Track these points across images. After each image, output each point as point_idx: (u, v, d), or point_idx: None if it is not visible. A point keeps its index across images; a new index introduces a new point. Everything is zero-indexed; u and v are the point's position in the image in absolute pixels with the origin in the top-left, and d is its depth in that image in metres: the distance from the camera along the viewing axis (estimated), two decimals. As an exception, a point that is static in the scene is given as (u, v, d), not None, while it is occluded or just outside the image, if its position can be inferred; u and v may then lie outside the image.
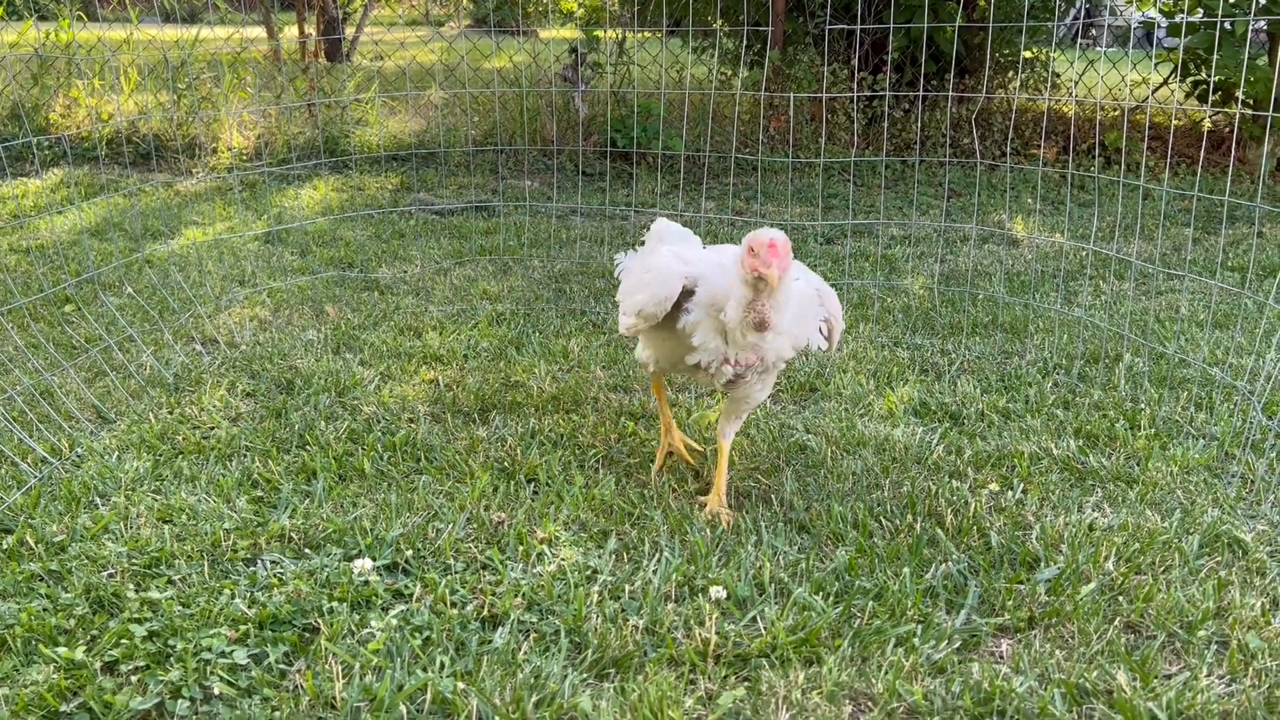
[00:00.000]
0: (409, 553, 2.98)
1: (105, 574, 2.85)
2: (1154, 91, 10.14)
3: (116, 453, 3.60)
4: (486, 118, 9.45)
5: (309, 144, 9.01)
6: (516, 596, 2.77)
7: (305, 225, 6.80)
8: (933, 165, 9.23)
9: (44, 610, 2.67)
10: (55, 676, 2.41)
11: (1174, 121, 6.73)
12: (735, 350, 3.02)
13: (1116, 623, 2.70)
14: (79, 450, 3.62)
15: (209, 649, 2.53)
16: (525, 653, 2.56)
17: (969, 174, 9.01)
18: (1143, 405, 4.07)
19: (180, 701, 2.37)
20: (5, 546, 2.97)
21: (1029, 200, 8.20)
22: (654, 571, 2.91)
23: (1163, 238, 7.01)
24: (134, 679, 2.45)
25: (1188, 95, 9.64)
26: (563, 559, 2.97)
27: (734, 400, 3.27)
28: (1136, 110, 9.72)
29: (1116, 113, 9.75)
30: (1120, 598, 2.81)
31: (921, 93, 6.77)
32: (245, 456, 3.59)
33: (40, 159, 8.77)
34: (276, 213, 7.31)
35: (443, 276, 5.92)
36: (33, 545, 2.98)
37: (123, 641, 2.55)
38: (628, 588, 2.84)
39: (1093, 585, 2.84)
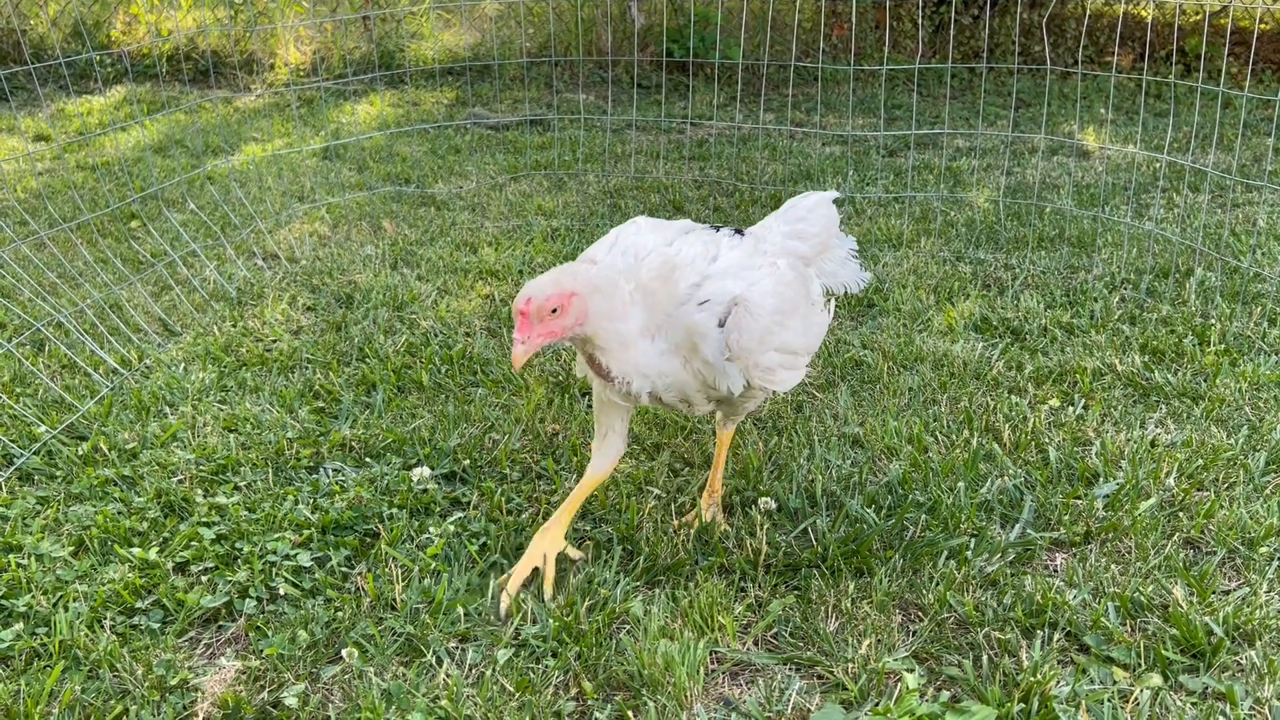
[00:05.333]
0: (466, 462, 3.04)
1: (175, 479, 2.95)
2: (1240, -7, 9.63)
3: (183, 364, 3.70)
4: (541, 29, 9.30)
5: (364, 58, 8.97)
6: (570, 505, 2.81)
7: (362, 141, 6.81)
8: (1001, 74, 8.91)
9: (119, 513, 2.78)
10: (131, 575, 2.52)
11: (1259, 25, 6.39)
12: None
13: (1175, 538, 2.67)
14: (147, 361, 3.72)
15: (274, 552, 2.62)
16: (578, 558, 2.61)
17: (1039, 83, 8.69)
18: (1213, 320, 3.95)
19: (248, 600, 2.47)
20: (81, 452, 3.09)
21: (1102, 110, 7.90)
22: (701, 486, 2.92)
23: (1242, 148, 6.72)
24: (204, 579, 2.55)
25: (1276, -4, 9.13)
26: (617, 471, 3.00)
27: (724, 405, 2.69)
28: (1220, 13, 9.25)
29: (1198, 16, 9.28)
30: (1180, 513, 2.77)
31: (991, -4, 6.49)
32: (307, 368, 3.66)
33: (103, 76, 8.86)
34: (334, 128, 7.32)
35: (498, 192, 5.91)
36: (106, 451, 3.09)
37: (193, 543, 2.65)
38: (679, 498, 2.87)
39: (1152, 501, 2.80)
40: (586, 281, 2.32)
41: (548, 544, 2.56)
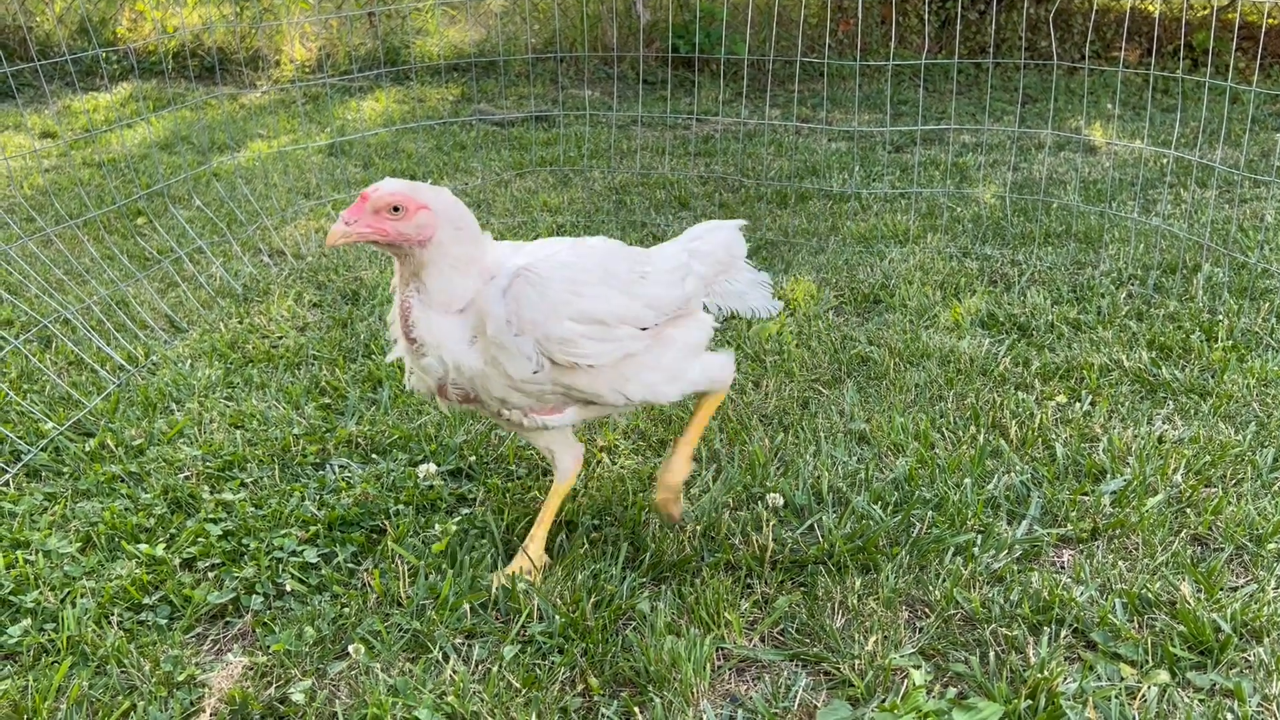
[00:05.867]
0: (472, 458, 3.04)
1: (182, 476, 2.95)
2: (1248, -13, 9.58)
3: (189, 360, 3.71)
4: (546, 25, 9.30)
5: (370, 55, 8.98)
6: (577, 500, 2.81)
7: (367, 137, 6.82)
8: (1008, 69, 8.88)
9: (126, 509, 2.79)
10: (138, 571, 2.53)
11: (1266, 20, 6.37)
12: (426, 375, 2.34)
13: (1183, 535, 2.66)
14: (154, 358, 3.73)
15: (281, 548, 2.62)
16: (584, 555, 2.60)
17: (1046, 78, 8.66)
18: (1220, 316, 3.94)
19: (255, 597, 2.47)
20: (88, 449, 3.10)
21: (1108, 105, 7.88)
22: (712, 479, 2.92)
23: (1250, 143, 6.70)
24: (211, 575, 2.55)
25: (1284, -10, 9.09)
26: (622, 466, 3.00)
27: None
28: (1227, 8, 9.21)
29: (1205, 11, 9.25)
30: (1188, 510, 2.76)
31: (997, -9, 6.48)
32: (313, 365, 3.67)
33: (109, 73, 8.87)
34: (339, 125, 7.33)
35: (503, 188, 5.90)
36: (113, 448, 3.10)
37: (199, 540, 2.65)
38: (686, 493, 2.86)
39: (1160, 497, 2.79)
40: (446, 208, 2.20)
41: (532, 557, 2.55)
